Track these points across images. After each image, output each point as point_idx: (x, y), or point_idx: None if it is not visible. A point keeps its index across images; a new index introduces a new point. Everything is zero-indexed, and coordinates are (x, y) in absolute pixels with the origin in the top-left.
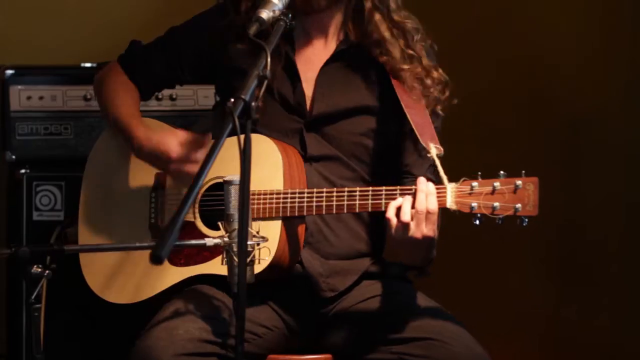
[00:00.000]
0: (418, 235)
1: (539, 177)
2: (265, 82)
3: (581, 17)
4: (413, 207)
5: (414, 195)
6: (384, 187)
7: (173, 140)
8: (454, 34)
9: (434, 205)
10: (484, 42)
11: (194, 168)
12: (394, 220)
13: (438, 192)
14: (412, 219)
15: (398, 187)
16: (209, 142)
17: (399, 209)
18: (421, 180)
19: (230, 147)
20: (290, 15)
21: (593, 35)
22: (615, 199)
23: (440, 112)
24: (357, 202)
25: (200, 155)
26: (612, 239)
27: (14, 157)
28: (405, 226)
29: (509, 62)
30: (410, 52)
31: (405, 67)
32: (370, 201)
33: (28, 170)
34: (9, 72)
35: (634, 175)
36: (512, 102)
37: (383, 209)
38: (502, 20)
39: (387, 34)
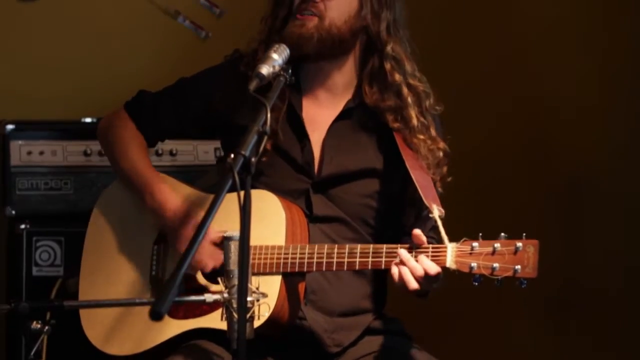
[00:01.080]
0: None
1: (538, 234)
2: (266, 138)
3: (581, 67)
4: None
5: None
6: (384, 245)
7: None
8: (456, 85)
9: (434, 269)
10: (484, 94)
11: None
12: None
13: (438, 252)
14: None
15: (398, 245)
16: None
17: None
18: (416, 233)
19: (234, 200)
20: (290, 71)
21: (592, 87)
22: (615, 258)
23: (439, 189)
24: (358, 259)
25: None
26: (612, 297)
27: (14, 212)
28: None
29: (509, 114)
30: (423, 119)
31: (421, 136)
32: (370, 259)
33: (28, 226)
34: (10, 127)
35: (634, 235)
36: (511, 156)
37: (383, 267)
38: (502, 72)
39: (404, 99)
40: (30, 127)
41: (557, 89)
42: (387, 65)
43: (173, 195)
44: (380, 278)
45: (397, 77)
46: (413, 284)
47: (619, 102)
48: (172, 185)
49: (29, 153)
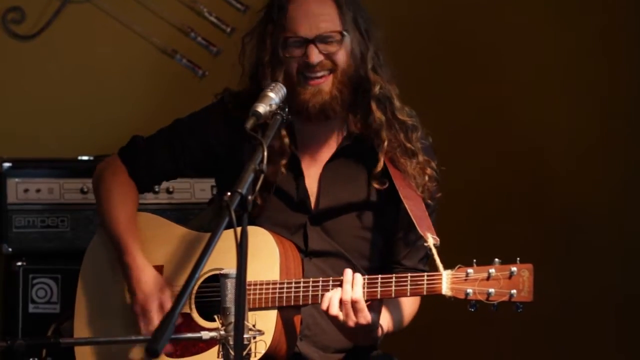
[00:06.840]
0: (350, 324)
1: (535, 268)
2: (262, 176)
3: (581, 112)
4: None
5: (341, 286)
6: (379, 276)
7: (145, 284)
8: (454, 126)
9: (358, 294)
10: (484, 134)
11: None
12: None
13: (434, 279)
14: (341, 310)
15: (393, 275)
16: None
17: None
18: (347, 272)
19: (228, 238)
20: (286, 109)
21: (592, 127)
22: (610, 293)
23: (430, 202)
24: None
25: (167, 303)
26: (607, 334)
27: (10, 249)
28: (334, 318)
29: (508, 155)
30: (409, 145)
31: (407, 158)
32: (365, 289)
33: (24, 263)
34: (7, 164)
35: (630, 271)
36: (511, 194)
37: (379, 296)
38: (501, 113)
39: (388, 130)
40: (27, 165)
41: (557, 130)
42: (373, 105)
43: (145, 270)
44: (374, 313)
45: (379, 113)
46: (334, 310)
47: (618, 143)
48: (164, 227)
49: (26, 191)
